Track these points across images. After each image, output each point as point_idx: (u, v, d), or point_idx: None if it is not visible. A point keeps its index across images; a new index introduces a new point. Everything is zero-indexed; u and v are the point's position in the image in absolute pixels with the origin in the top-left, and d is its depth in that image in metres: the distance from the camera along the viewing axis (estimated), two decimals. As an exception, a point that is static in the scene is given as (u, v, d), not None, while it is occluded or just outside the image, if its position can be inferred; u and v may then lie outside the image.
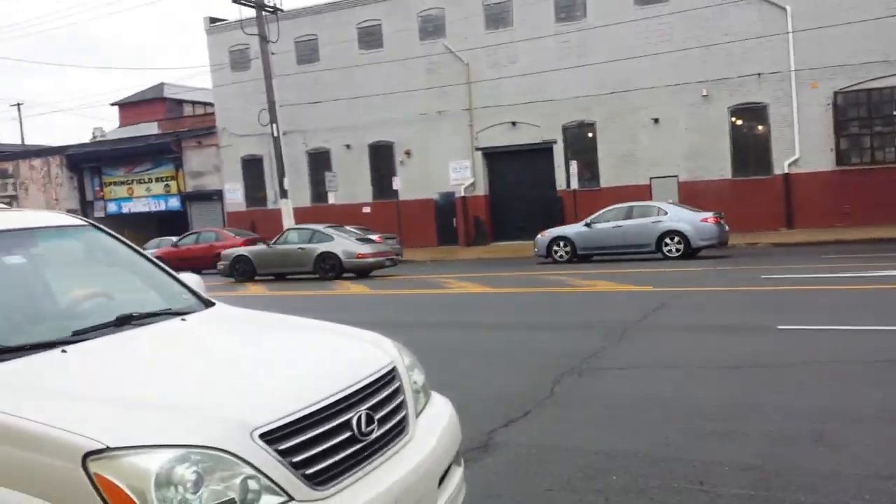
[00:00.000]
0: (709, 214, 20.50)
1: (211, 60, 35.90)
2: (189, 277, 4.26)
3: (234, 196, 35.61)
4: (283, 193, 29.79)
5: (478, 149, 31.05)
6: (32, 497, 2.31)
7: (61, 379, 2.84)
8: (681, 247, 19.92)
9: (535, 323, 10.80)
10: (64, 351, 3.05)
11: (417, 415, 3.35)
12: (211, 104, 38.56)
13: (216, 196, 35.97)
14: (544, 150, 30.15)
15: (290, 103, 32.47)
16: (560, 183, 29.75)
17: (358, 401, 2.96)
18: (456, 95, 30.95)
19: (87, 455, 2.30)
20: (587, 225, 21.35)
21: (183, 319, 3.66)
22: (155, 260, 4.28)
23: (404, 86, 31.43)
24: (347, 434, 2.83)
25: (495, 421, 5.72)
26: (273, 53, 29.86)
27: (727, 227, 20.91)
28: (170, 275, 4.19)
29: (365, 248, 21.17)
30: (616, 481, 4.44)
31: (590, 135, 29.57)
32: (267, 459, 2.52)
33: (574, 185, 27.26)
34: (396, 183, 30.69)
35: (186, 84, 48.69)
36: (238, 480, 2.43)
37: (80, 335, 3.23)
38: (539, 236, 22.31)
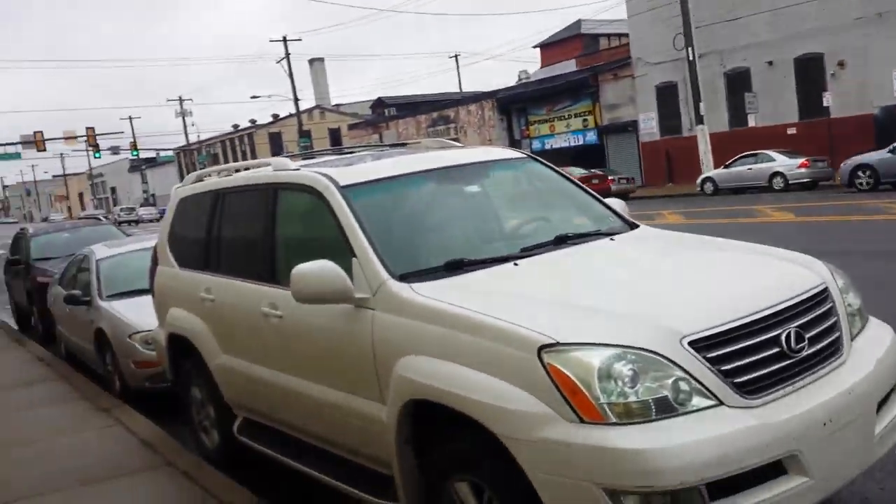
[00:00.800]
0: None
1: (627, -11, 35.93)
2: (615, 202, 4.56)
3: (649, 125, 35.58)
4: (699, 119, 28.95)
5: (933, 51, 26.38)
6: (495, 378, 2.84)
7: (516, 286, 3.36)
8: None
9: None
10: (516, 264, 3.58)
11: (853, 338, 3.23)
12: (625, 35, 38.72)
13: (631, 127, 36.32)
14: None
15: (706, 23, 31.03)
16: None
17: (787, 318, 2.98)
18: (903, -9, 26.54)
19: (542, 347, 2.73)
20: (892, 151, 19.80)
21: (612, 239, 3.99)
22: (584, 187, 4.67)
23: (837, -12, 27.89)
24: (776, 349, 2.88)
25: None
26: (689, -28, 28.83)
27: None
28: (598, 200, 4.55)
29: None
30: None
31: None
32: (696, 365, 2.71)
33: None
34: (827, 99, 27.67)
35: (602, 18, 49.72)
36: (670, 381, 2.67)
37: (526, 252, 3.74)
38: (843, 164, 21.21)
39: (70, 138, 50.04)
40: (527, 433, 2.70)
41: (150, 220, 55.96)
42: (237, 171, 5.21)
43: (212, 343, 4.86)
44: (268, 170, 4.62)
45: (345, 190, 3.87)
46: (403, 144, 5.41)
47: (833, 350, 3.08)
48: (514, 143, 42.17)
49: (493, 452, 2.86)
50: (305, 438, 4.26)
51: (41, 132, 47.45)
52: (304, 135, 52.05)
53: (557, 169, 4.74)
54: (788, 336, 2.91)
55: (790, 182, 24.28)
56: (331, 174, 4.02)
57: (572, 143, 39.39)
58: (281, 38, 50.45)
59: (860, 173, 20.40)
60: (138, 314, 6.98)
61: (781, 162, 24.87)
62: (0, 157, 51.71)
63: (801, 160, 24.57)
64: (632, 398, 2.64)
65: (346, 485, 3.76)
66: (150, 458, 5.24)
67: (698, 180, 27.83)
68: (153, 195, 77.27)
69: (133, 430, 5.91)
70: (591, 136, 38.43)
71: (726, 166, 26.88)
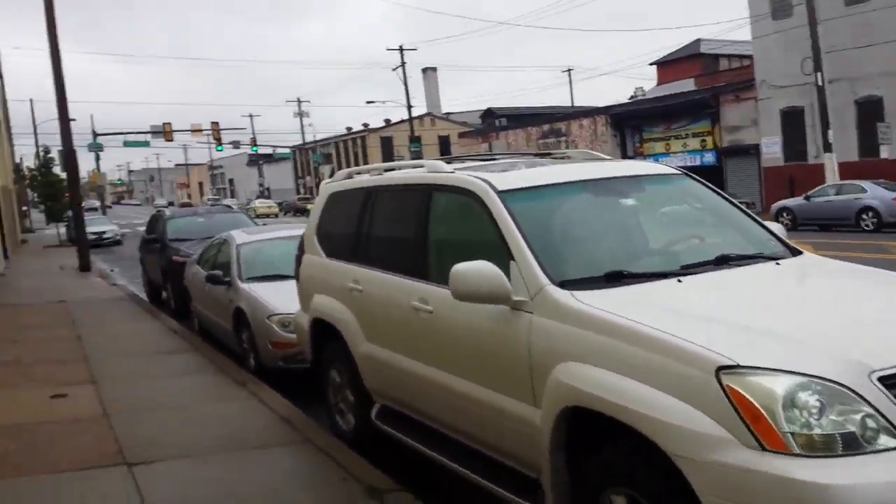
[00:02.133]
0: None
1: (751, 11, 34.70)
2: (775, 226, 4.41)
3: (772, 150, 34.21)
4: (827, 147, 27.66)
5: None
6: (666, 394, 2.78)
7: (683, 303, 3.30)
8: (875, 221, 20.81)
9: None
10: (679, 280, 3.51)
11: None
12: (747, 57, 37.47)
13: (752, 150, 35.04)
14: None
15: (836, 49, 29.65)
16: None
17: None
18: None
19: (720, 369, 2.66)
20: (807, 198, 23.44)
21: (777, 264, 3.86)
22: (742, 207, 4.52)
23: None
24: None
25: None
26: (822, -5, 27.71)
27: None
28: (757, 222, 4.40)
29: None
30: None
31: None
32: (885, 402, 2.58)
33: None
34: (969, 133, 25.96)
35: (722, 38, 48.23)
36: (858, 416, 2.55)
37: (686, 269, 3.66)
38: (773, 206, 24.97)
39: (196, 131, 52.52)
40: (703, 455, 2.64)
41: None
42: (387, 170, 5.35)
43: (357, 331, 4.99)
44: (421, 171, 4.74)
45: (503, 195, 3.90)
46: (549, 154, 5.41)
47: None
48: (626, 159, 41.46)
49: (656, 468, 2.81)
50: (446, 431, 4.30)
51: (170, 123, 50.08)
52: (415, 140, 52.82)
53: (713, 187, 4.62)
54: None
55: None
56: (489, 178, 4.05)
57: (689, 163, 38.28)
58: (398, 48, 51.51)
59: (783, 214, 23.51)
60: (276, 297, 7.32)
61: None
62: (131, 143, 54.75)
63: None
64: (816, 430, 2.54)
65: (490, 482, 3.77)
66: (289, 432, 5.43)
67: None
68: (268, 188, 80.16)
69: (269, 404, 6.13)
70: (710, 157, 37.32)
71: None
